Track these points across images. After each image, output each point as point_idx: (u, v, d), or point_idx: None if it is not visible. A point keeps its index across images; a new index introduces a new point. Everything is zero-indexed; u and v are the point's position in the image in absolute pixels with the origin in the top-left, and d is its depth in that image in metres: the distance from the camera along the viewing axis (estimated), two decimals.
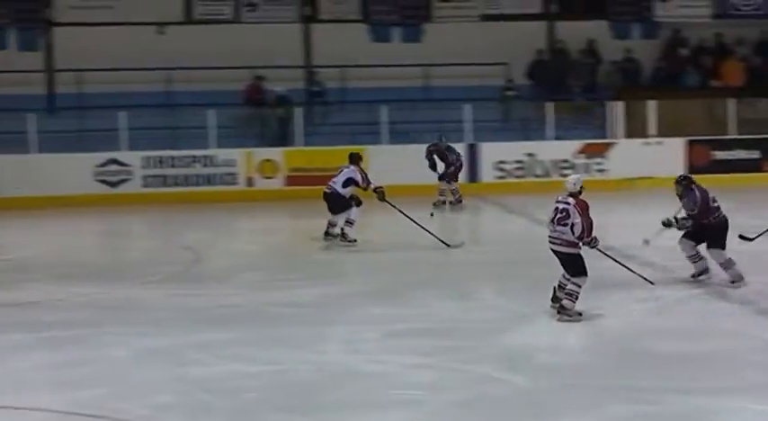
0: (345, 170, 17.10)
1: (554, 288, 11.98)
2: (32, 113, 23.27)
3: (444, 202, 21.30)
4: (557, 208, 11.78)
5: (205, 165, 23.44)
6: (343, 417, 9.03)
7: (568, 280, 11.76)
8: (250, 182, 23.50)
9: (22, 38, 26.36)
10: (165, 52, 25.58)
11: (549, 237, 11.83)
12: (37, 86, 25.82)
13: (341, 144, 22.97)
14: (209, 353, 10.74)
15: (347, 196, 16.88)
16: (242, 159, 23.66)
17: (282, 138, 24.95)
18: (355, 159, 17.24)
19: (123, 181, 23.27)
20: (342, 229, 16.91)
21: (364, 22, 27.46)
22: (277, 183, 23.67)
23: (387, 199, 16.92)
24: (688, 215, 13.22)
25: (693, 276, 13.57)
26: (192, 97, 24.67)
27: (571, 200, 11.70)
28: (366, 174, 17.08)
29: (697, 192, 13.22)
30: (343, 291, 13.73)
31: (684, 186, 13.32)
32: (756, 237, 14.25)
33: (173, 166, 23.38)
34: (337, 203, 16.87)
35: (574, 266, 11.71)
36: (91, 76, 25.27)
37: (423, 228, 16.59)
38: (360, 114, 24.91)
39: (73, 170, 22.53)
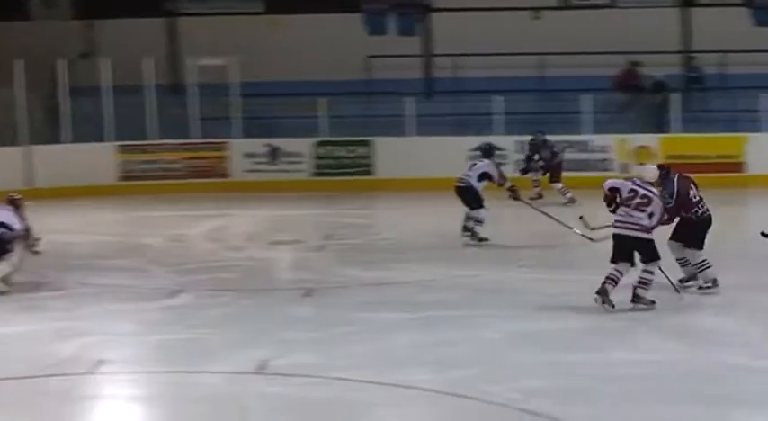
0: (480, 164, 16.54)
1: (604, 283, 11.61)
2: (410, 97, 23.86)
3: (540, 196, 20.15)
4: (635, 192, 11.67)
5: (579, 151, 23.34)
6: (727, 413, 8.79)
7: (644, 267, 11.64)
8: (625, 168, 23.17)
9: (402, 23, 27.13)
10: (540, 37, 25.65)
11: (620, 222, 11.64)
12: (415, 71, 26.47)
13: (719, 131, 22.28)
14: (582, 339, 10.71)
15: (481, 190, 16.29)
16: (616, 145, 23.40)
17: (659, 125, 24.48)
18: (489, 152, 16.72)
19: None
20: (471, 228, 16.26)
21: (746, 5, 26.51)
22: None
23: (521, 198, 16.33)
24: (665, 207, 12.10)
25: (681, 281, 12.68)
26: (565, 82, 24.60)
27: (655, 190, 11.71)
28: (501, 171, 16.53)
29: (675, 183, 12.31)
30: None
31: (662, 175, 12.31)
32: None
33: None
34: (472, 198, 16.22)
35: (648, 252, 11.59)
36: (467, 61, 25.69)
37: (567, 226, 15.28)
38: (740, 101, 24.08)
39: (448, 153, 22.96)
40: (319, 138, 23.24)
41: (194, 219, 18.44)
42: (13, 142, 22.35)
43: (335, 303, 12.75)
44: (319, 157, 23.31)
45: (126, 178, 23.05)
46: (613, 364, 10.02)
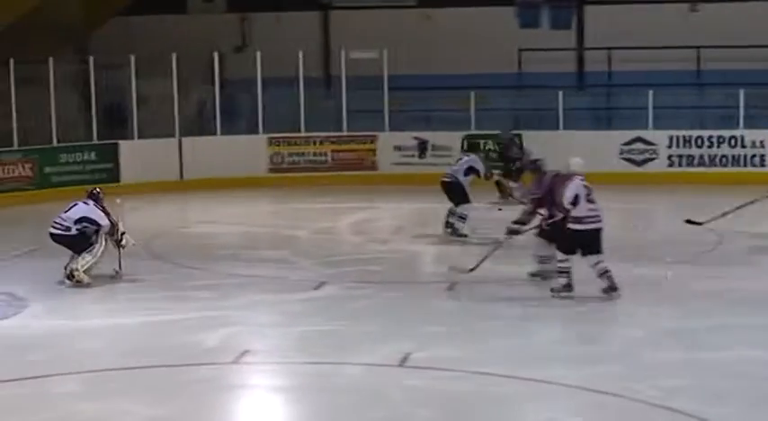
0: (466, 158, 16.43)
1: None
2: (562, 90, 23.73)
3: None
4: (587, 187, 12.02)
5: (732, 146, 22.88)
6: None
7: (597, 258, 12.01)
8: None
9: (555, 16, 26.97)
10: (696, 30, 25.22)
11: (596, 216, 11.99)
12: (567, 64, 26.36)
13: None
14: (726, 338, 10.56)
15: (467, 186, 16.18)
16: None
17: None
18: (475, 147, 16.60)
19: (648, 160, 23.23)
20: (452, 224, 16.11)
21: None
22: None
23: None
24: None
25: (533, 275, 13.08)
26: (722, 76, 24.14)
27: None
28: (488, 165, 16.45)
29: (545, 180, 12.61)
30: None
31: (532, 170, 12.78)
32: (707, 221, 14.50)
33: (699, 146, 23.03)
34: (458, 193, 16.08)
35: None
36: (620, 55, 25.43)
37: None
38: None
39: (600, 147, 22.74)
40: (468, 132, 23.25)
41: (341, 211, 18.65)
42: (167, 134, 22.88)
43: (478, 297, 12.80)
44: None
45: (275, 170, 23.43)
46: (755, 362, 9.88)
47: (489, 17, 26.55)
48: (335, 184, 21.90)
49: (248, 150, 23.21)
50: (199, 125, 23.90)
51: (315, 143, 23.51)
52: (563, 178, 12.47)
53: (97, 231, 13.68)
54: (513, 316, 11.86)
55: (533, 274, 13.14)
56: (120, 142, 22.54)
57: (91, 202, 13.84)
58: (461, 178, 16.46)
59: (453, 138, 23.10)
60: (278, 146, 23.25)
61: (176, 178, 22.55)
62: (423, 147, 23.27)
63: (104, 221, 13.70)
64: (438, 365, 9.98)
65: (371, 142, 23.52)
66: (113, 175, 22.41)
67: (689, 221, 15.57)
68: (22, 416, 9.05)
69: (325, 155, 23.50)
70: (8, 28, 23.15)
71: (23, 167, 21.54)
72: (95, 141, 22.39)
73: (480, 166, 16.61)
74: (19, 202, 20.42)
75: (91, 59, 22.70)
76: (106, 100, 22.93)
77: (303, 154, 23.44)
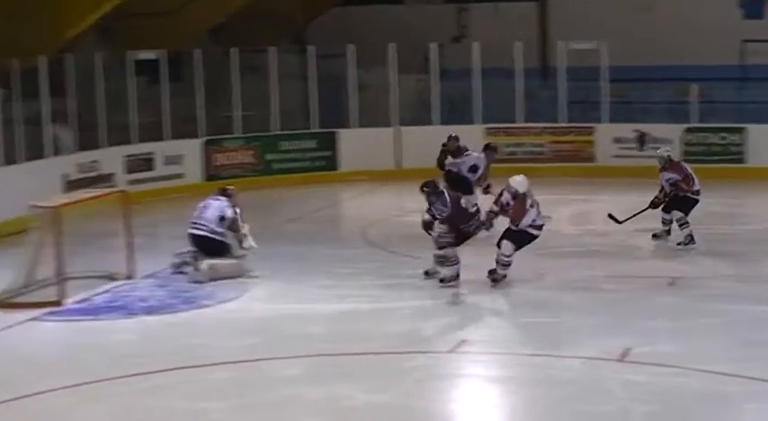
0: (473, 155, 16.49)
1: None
2: None
3: None
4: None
5: None
6: None
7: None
8: None
9: None
10: None
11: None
12: None
13: None
14: None
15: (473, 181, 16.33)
16: None
17: None
18: (486, 148, 16.89)
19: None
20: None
21: None
22: None
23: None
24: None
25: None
26: None
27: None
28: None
29: (447, 198, 12.85)
30: None
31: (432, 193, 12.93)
32: (626, 219, 15.23)
33: None
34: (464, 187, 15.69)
35: None
36: None
37: None
38: None
39: None
40: (689, 125, 22.74)
41: (559, 202, 18.48)
42: (384, 123, 23.13)
43: (699, 293, 12.59)
44: (688, 144, 22.81)
45: (493, 160, 23.34)
46: None
47: (710, 7, 25.89)
48: (553, 176, 21.71)
49: (464, 141, 23.22)
50: (416, 115, 24.04)
51: (532, 134, 23.38)
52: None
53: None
54: (736, 313, 11.59)
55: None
56: (340, 131, 22.88)
57: (223, 199, 14.03)
58: (467, 173, 16.62)
59: (673, 131, 22.62)
60: (495, 136, 23.19)
61: (394, 167, 22.74)
62: (642, 139, 22.86)
63: (229, 214, 13.82)
64: (659, 361, 9.83)
65: (589, 133, 23.24)
66: (332, 163, 22.80)
67: (610, 216, 15.80)
68: (241, 398, 9.31)
69: (543, 146, 23.35)
70: (230, 18, 23.84)
71: (246, 154, 22.11)
72: (315, 129, 22.79)
73: (482, 166, 16.71)
74: (241, 188, 20.87)
75: (311, 49, 23.11)
76: (325, 89, 23.30)
77: (520, 145, 23.34)
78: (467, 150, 17.06)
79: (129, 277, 13.71)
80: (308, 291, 13.02)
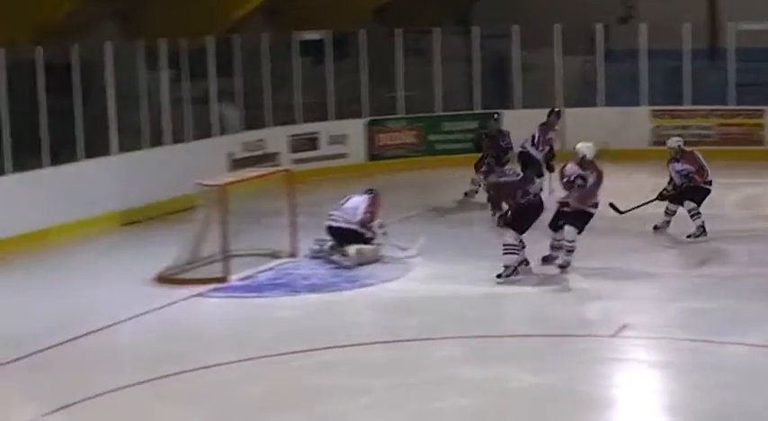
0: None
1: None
2: None
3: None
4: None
5: None
6: None
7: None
8: None
9: None
10: None
11: None
12: None
13: None
14: None
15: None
16: None
17: None
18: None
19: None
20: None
21: None
22: None
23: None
24: None
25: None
26: None
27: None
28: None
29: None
30: None
31: None
32: (628, 210, 14.52)
33: None
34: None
35: None
36: None
37: None
38: None
39: None
40: None
41: (727, 186, 18.13)
42: (548, 104, 22.92)
43: None
44: None
45: (659, 143, 22.97)
46: None
47: None
48: (720, 159, 21.27)
49: (630, 123, 22.93)
50: (581, 96, 23.80)
51: (699, 116, 22.93)
52: None
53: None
54: None
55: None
56: (503, 112, 22.79)
57: (366, 197, 14.07)
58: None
59: None
60: (661, 118, 22.81)
61: (557, 147, 22.58)
62: None
63: (359, 216, 13.83)
64: None
65: (759, 116, 22.68)
66: None
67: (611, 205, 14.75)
68: (402, 377, 9.41)
69: (710, 129, 22.88)
70: None
71: (408, 134, 22.20)
72: (478, 110, 22.74)
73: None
74: (403, 168, 21.04)
75: (475, 30, 23.07)
76: (488, 70, 23.22)
77: (687, 127, 22.88)
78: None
79: (292, 255, 13.93)
80: (469, 273, 12.99)
